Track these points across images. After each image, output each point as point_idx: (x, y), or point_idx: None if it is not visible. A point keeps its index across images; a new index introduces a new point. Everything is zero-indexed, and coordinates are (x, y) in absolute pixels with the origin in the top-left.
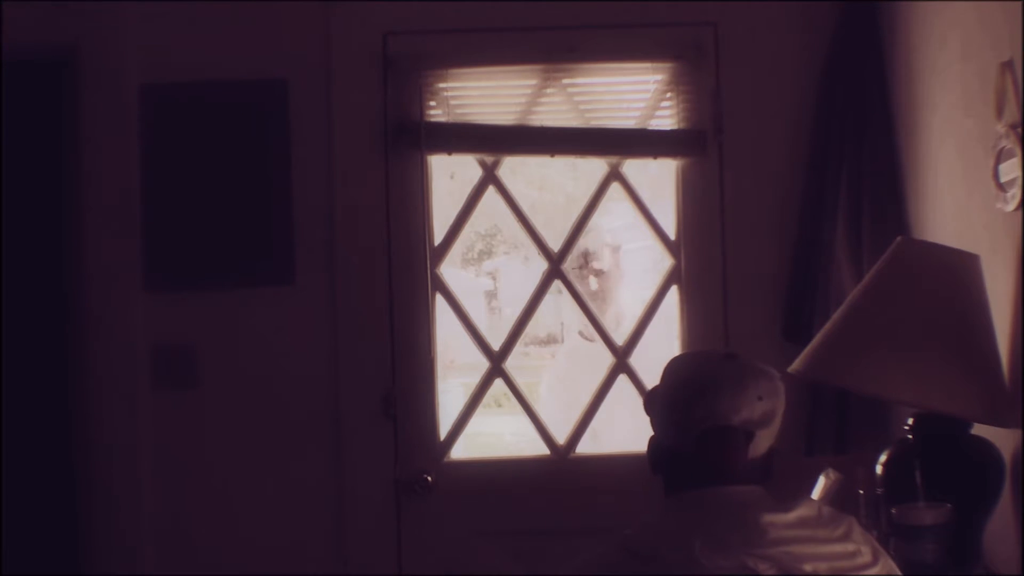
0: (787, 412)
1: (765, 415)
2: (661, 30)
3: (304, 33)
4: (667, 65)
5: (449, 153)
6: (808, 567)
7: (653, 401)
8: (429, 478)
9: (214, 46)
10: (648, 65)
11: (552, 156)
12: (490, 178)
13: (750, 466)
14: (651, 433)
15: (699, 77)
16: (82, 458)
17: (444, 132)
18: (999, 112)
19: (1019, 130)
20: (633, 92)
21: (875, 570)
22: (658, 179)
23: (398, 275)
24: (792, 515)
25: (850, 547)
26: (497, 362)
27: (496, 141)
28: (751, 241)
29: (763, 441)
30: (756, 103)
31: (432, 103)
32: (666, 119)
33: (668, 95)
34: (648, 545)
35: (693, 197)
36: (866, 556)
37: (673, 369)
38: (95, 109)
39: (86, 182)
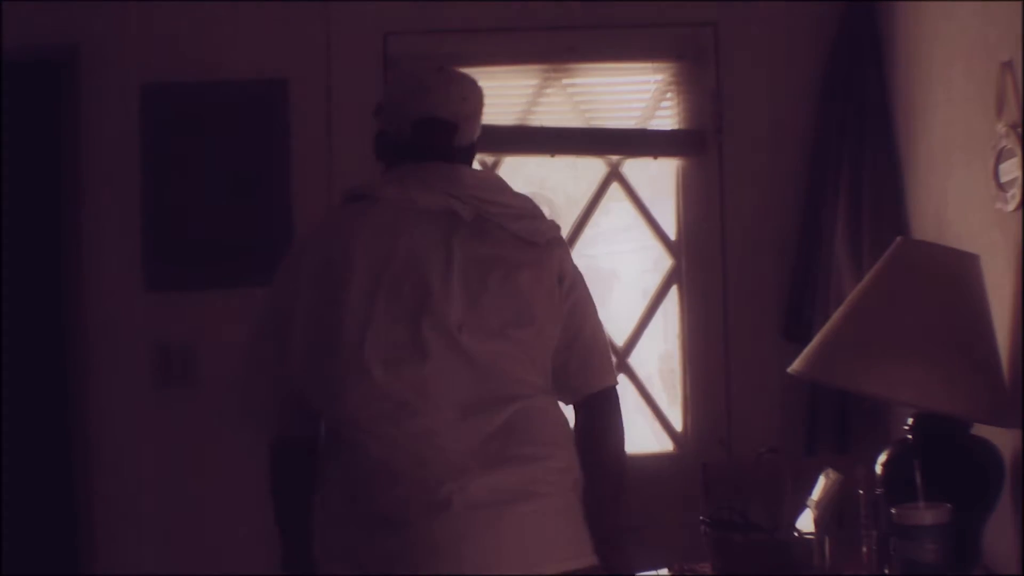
0: (787, 412)
1: (470, 111)
2: (661, 30)
3: (304, 33)
4: (667, 65)
5: None
6: (494, 209)
7: (379, 107)
8: None
9: (214, 46)
10: (648, 65)
11: (552, 156)
12: None
13: (456, 153)
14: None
15: (699, 77)
16: (82, 458)
17: None
18: (999, 112)
19: (1019, 130)
20: (633, 92)
21: (549, 224)
22: (658, 179)
23: None
24: (484, 172)
25: (519, 200)
26: None
27: (496, 141)
28: (751, 241)
29: (465, 134)
30: (756, 103)
31: None
32: (666, 119)
33: (668, 95)
34: (369, 187)
35: (693, 197)
36: (536, 207)
37: (394, 79)
38: (95, 109)
39: (86, 182)
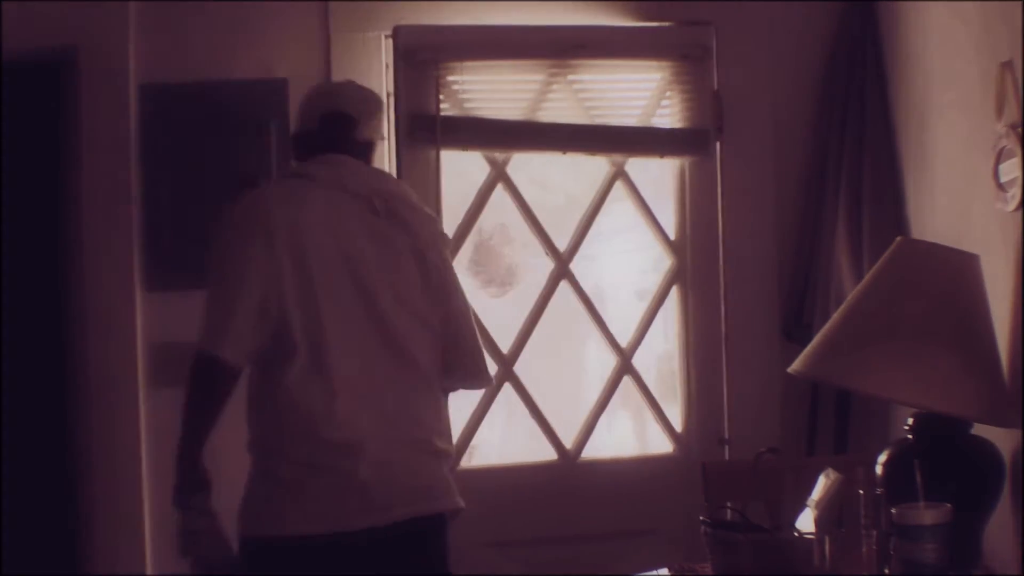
0: (787, 412)
1: (369, 111)
2: (663, 29)
3: (304, 33)
4: (669, 64)
5: (464, 148)
6: (399, 207)
7: (297, 115)
8: None
9: (214, 46)
10: (651, 63)
11: (564, 153)
12: (500, 176)
13: (356, 145)
14: None
15: (700, 77)
16: (82, 458)
17: (460, 127)
18: (999, 112)
19: (1019, 130)
20: (635, 91)
21: (432, 218)
22: (658, 179)
23: None
24: (388, 173)
25: (412, 197)
26: (508, 366)
27: (512, 137)
28: (751, 241)
29: (364, 130)
30: (756, 103)
31: (441, 96)
32: (668, 117)
33: (670, 93)
34: (302, 168)
35: (693, 197)
36: (431, 213)
37: (309, 90)
38: (95, 109)
39: (86, 182)
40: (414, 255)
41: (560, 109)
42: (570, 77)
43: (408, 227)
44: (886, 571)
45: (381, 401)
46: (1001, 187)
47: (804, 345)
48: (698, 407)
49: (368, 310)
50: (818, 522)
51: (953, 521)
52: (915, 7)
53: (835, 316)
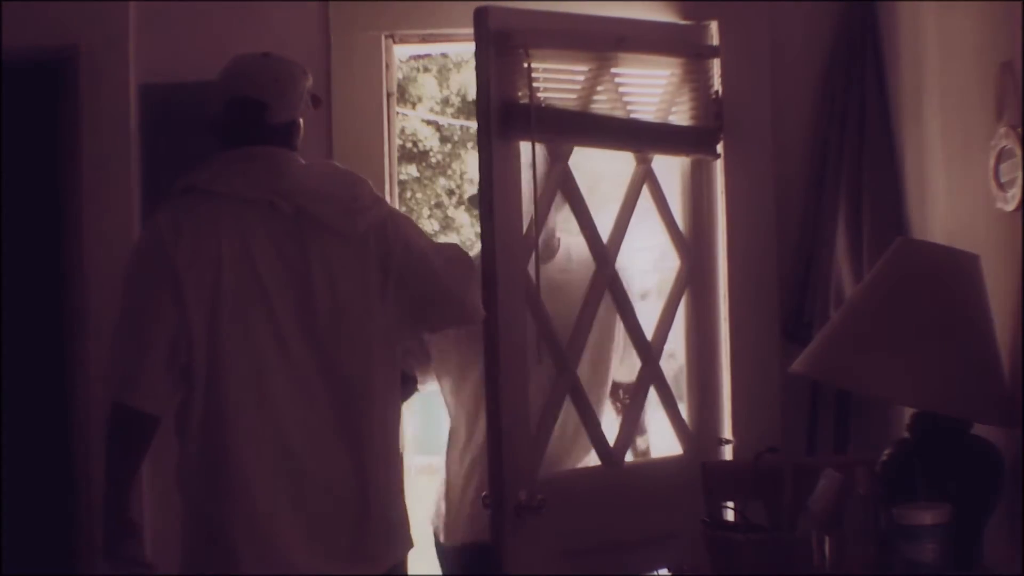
0: (787, 412)
1: (280, 91)
2: (684, 27)
3: (304, 33)
4: (685, 61)
5: (552, 141)
6: (312, 206)
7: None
8: (526, 498)
9: (214, 46)
10: (672, 60)
11: (620, 150)
12: (564, 174)
13: (271, 130)
14: None
15: (703, 76)
16: (82, 458)
17: (551, 118)
18: (999, 112)
19: (1019, 130)
20: (657, 87)
21: (374, 211)
22: (660, 178)
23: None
24: (310, 166)
25: (340, 190)
26: (571, 372)
27: (598, 130)
28: (751, 241)
29: (278, 112)
30: (756, 103)
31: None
32: (678, 115)
33: (683, 91)
34: (199, 179)
35: (695, 197)
36: (367, 201)
37: (223, 67)
38: (95, 109)
39: (86, 183)
40: (334, 258)
41: (603, 103)
42: (612, 70)
43: (325, 224)
44: (886, 571)
45: (289, 449)
46: (1001, 187)
47: (804, 345)
48: (699, 407)
49: (279, 346)
50: (818, 522)
51: (953, 521)
52: (915, 7)
53: (835, 316)
